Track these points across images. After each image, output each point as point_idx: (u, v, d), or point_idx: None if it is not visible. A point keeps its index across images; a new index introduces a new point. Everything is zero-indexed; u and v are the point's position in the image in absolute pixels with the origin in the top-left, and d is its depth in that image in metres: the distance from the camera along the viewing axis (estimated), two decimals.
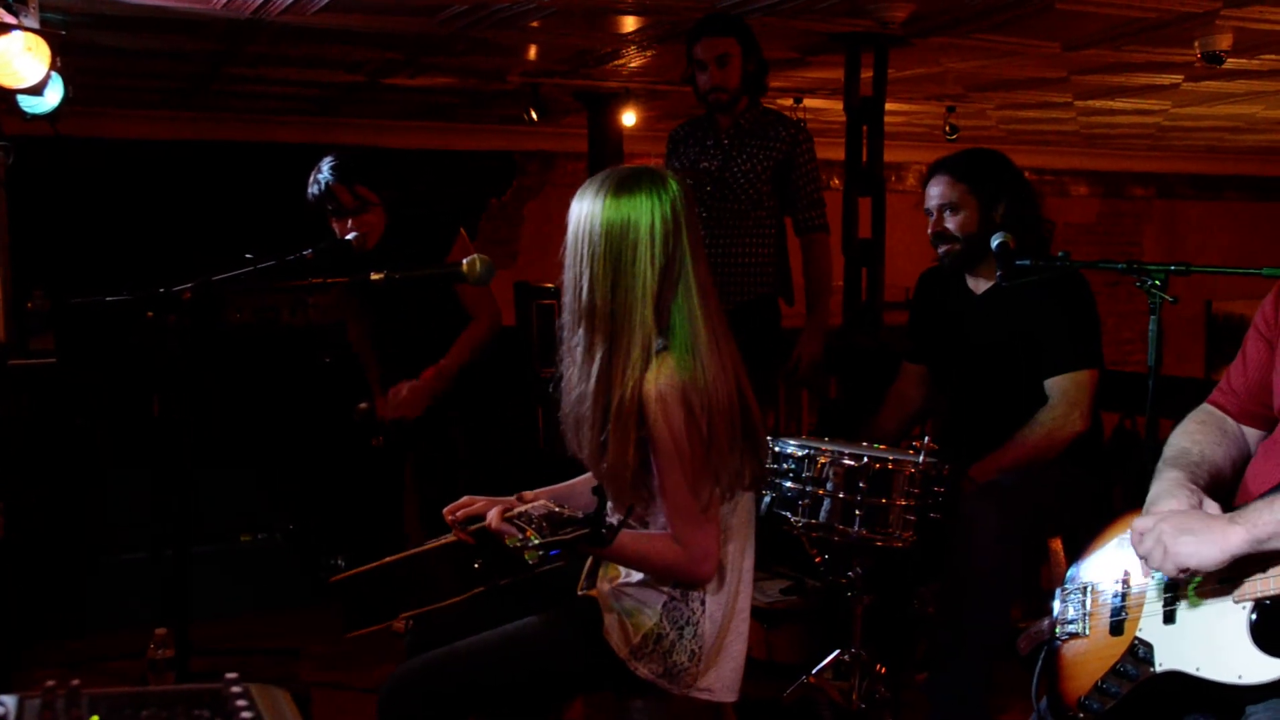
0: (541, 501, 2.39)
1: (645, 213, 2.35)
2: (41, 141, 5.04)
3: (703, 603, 2.42)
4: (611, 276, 2.35)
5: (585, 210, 2.38)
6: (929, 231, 3.56)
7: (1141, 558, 2.10)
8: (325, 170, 3.95)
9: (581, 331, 2.40)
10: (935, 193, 3.53)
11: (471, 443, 4.26)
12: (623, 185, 2.38)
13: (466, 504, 2.67)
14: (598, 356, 2.37)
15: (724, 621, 2.45)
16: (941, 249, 3.55)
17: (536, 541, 2.15)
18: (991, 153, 3.58)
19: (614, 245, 2.34)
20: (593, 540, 2.18)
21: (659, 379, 2.30)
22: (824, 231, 4.40)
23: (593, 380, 2.38)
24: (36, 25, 4.04)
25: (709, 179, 4.33)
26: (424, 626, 2.69)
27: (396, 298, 4.12)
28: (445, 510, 2.70)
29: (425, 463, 4.39)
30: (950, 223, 3.50)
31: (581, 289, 2.37)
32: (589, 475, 2.61)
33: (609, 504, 2.43)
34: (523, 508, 2.34)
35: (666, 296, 2.36)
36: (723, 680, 2.46)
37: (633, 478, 2.38)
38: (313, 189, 3.97)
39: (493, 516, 2.39)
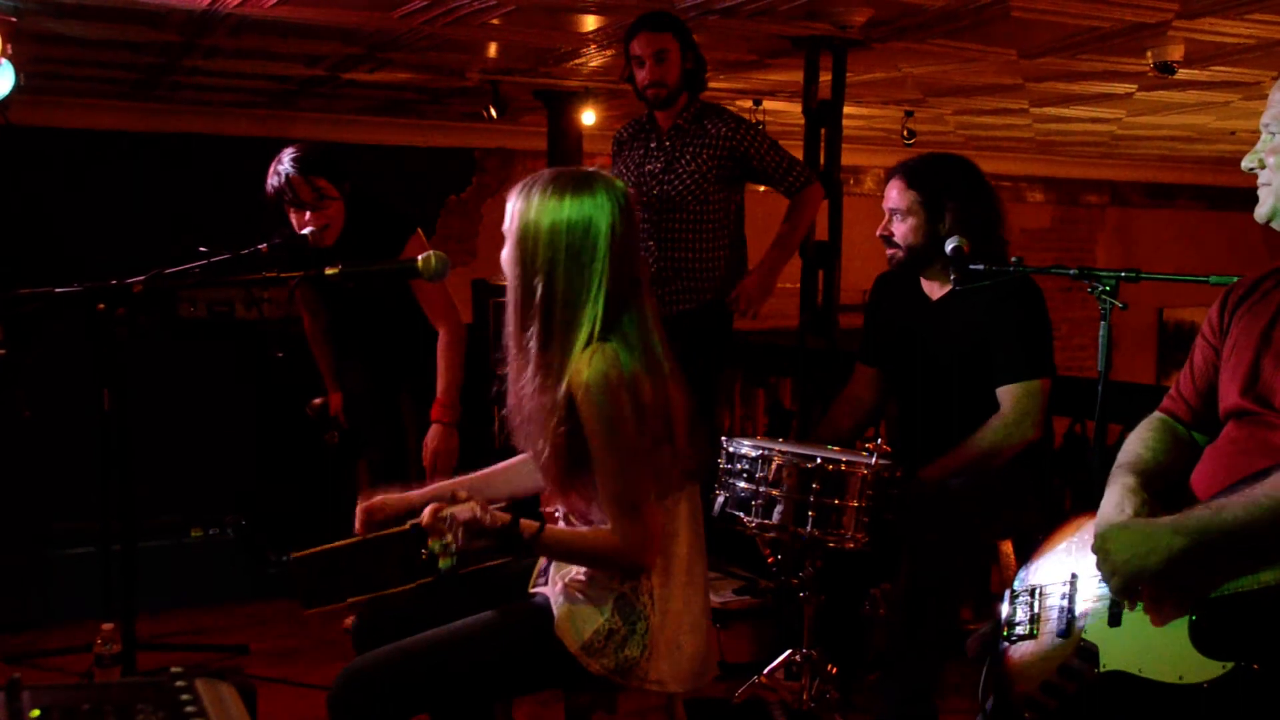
0: (471, 503, 2.34)
1: (604, 211, 2.37)
2: None
3: (652, 596, 2.43)
4: (570, 273, 2.35)
5: (538, 209, 2.38)
6: (877, 233, 3.60)
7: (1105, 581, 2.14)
8: (286, 161, 3.92)
9: (535, 329, 2.40)
10: (890, 196, 3.56)
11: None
12: (579, 184, 2.39)
13: (394, 501, 2.71)
14: (551, 353, 2.38)
15: (675, 615, 2.45)
16: (887, 252, 3.59)
17: (453, 549, 2.20)
18: (953, 161, 3.58)
19: (575, 242, 2.35)
20: (509, 554, 2.27)
21: (596, 367, 2.31)
22: (810, 185, 4.41)
23: (547, 376, 2.38)
24: None
25: (654, 181, 4.33)
26: (372, 621, 2.68)
27: (353, 293, 4.09)
28: (370, 505, 2.73)
29: (379, 460, 4.37)
30: (896, 228, 3.54)
31: (536, 287, 2.38)
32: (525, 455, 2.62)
33: (553, 498, 2.49)
34: (452, 509, 2.32)
35: (617, 293, 2.37)
36: (675, 672, 2.47)
37: (569, 469, 2.39)
38: (272, 180, 3.94)
39: (426, 513, 2.37)
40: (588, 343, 2.35)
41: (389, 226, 4.06)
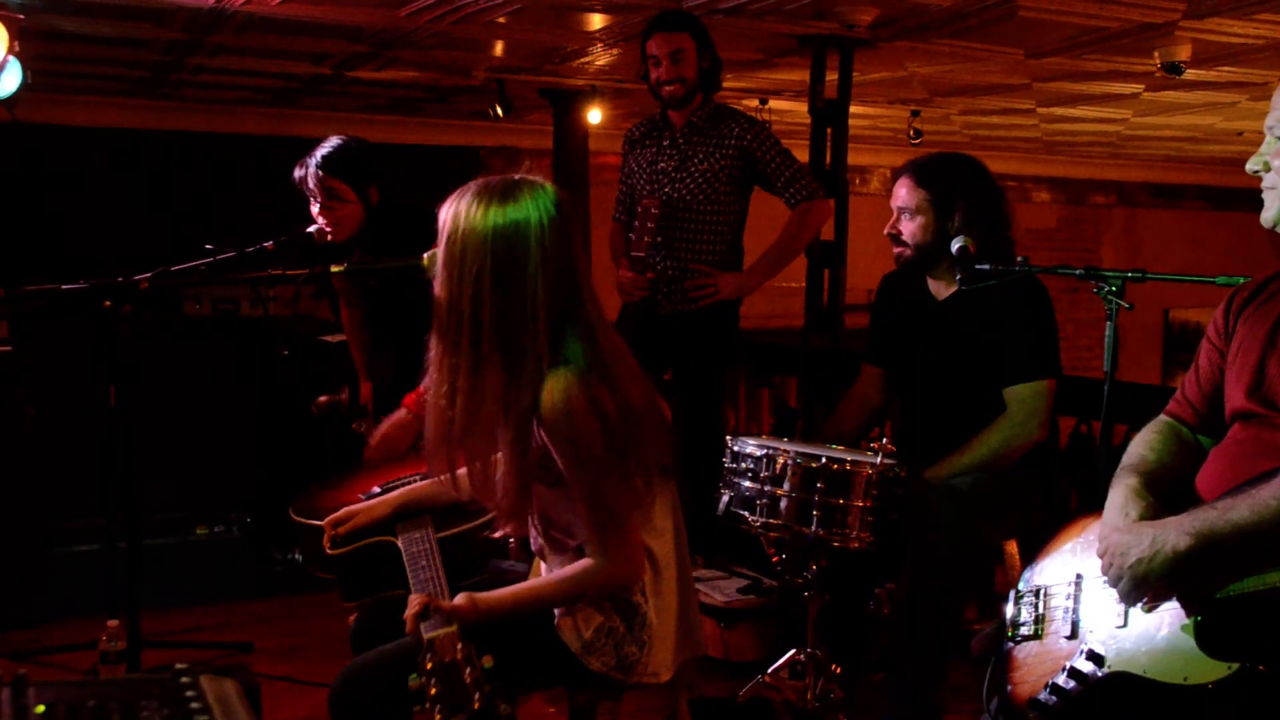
0: (453, 634, 2.11)
1: (534, 220, 2.28)
2: None
3: (645, 594, 2.43)
4: (503, 288, 2.27)
5: (465, 220, 2.29)
6: (885, 231, 3.59)
7: (1111, 585, 2.14)
8: (315, 154, 3.93)
9: (466, 349, 2.30)
10: (899, 194, 3.55)
11: None
12: (506, 193, 2.31)
13: (348, 515, 2.75)
14: (489, 376, 2.29)
15: (668, 608, 2.45)
16: (895, 250, 3.58)
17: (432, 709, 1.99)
18: (962, 160, 3.56)
19: (502, 255, 2.27)
20: None
21: (559, 394, 2.24)
22: (813, 200, 4.35)
23: (485, 401, 2.30)
24: None
25: (666, 180, 4.32)
26: (371, 621, 2.68)
27: (383, 288, 4.09)
28: (335, 518, 2.77)
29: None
30: (905, 227, 3.53)
31: (465, 304, 2.29)
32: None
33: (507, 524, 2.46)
34: (434, 635, 2.10)
35: (559, 306, 2.30)
36: (669, 660, 2.47)
37: (524, 493, 2.35)
38: (298, 170, 3.95)
39: (410, 614, 2.23)
40: (539, 371, 2.27)
41: (417, 231, 4.03)
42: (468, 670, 2.02)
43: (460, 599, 2.29)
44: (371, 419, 4.46)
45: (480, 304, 2.28)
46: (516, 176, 2.36)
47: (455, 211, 2.32)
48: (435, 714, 1.97)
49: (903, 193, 3.52)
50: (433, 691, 2.00)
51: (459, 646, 2.07)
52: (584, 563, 2.38)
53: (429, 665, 2.03)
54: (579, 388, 2.26)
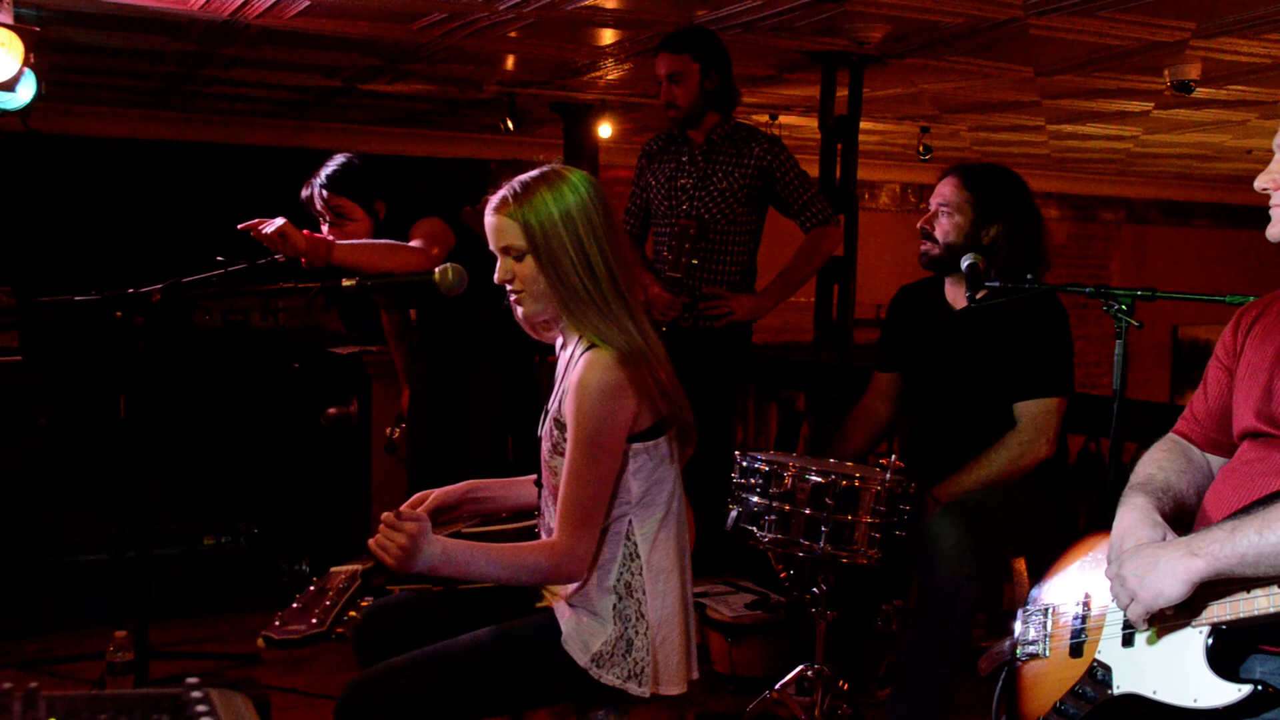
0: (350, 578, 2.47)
1: (586, 198, 2.44)
2: (12, 137, 5.01)
3: (644, 594, 2.43)
4: (575, 260, 2.40)
5: (539, 205, 2.43)
6: (918, 224, 3.57)
7: (1120, 608, 2.13)
8: (321, 174, 3.95)
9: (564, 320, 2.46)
10: (942, 191, 3.53)
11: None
12: (554, 179, 2.46)
13: (423, 496, 2.75)
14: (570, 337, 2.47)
15: (667, 609, 2.45)
16: (923, 246, 3.57)
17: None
18: (1011, 176, 3.57)
19: (575, 230, 2.41)
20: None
21: (595, 370, 2.34)
22: (827, 225, 4.34)
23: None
24: (10, 20, 4.02)
25: (685, 196, 4.31)
26: (373, 628, 2.68)
27: (429, 297, 4.10)
28: (411, 501, 2.77)
29: (414, 463, 4.36)
30: (939, 224, 3.51)
31: (561, 275, 2.41)
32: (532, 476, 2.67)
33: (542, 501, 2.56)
34: (340, 568, 2.50)
35: (610, 279, 2.41)
36: (679, 671, 2.47)
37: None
38: (305, 191, 3.97)
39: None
40: (590, 343, 2.39)
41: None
42: (338, 600, 2.39)
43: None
44: (406, 426, 4.47)
45: (569, 281, 2.41)
46: (548, 166, 2.50)
47: (523, 205, 2.44)
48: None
49: (947, 190, 3.51)
50: (310, 590, 2.42)
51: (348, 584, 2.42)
52: (539, 542, 2.45)
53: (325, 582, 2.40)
54: (614, 372, 2.34)
